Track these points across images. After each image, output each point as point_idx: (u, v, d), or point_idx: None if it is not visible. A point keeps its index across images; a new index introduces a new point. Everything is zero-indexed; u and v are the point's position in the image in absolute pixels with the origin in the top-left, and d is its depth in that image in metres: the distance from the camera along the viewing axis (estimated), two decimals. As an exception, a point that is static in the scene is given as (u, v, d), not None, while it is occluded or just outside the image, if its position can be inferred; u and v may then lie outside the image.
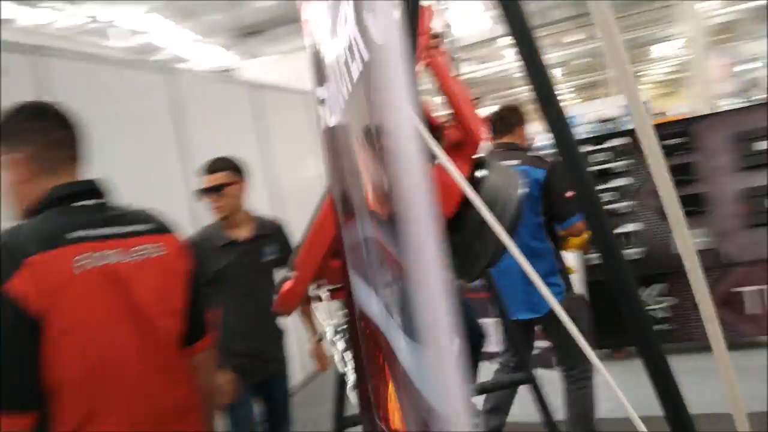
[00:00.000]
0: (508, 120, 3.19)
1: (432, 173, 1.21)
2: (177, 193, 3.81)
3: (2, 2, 8.08)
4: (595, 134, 6.87)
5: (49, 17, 9.93)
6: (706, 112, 6.38)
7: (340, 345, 1.66)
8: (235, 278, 2.75)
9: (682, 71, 20.63)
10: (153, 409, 1.46)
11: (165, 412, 1.48)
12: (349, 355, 1.66)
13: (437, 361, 0.60)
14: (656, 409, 1.07)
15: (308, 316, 2.91)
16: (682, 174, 4.38)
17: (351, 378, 1.61)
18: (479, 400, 3.12)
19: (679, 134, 4.61)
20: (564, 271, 3.10)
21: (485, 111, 3.13)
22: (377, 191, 0.74)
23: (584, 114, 15.60)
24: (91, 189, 1.51)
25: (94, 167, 1.59)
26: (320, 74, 1.34)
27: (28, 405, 1.31)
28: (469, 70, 16.69)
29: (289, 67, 7.92)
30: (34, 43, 3.28)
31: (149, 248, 1.53)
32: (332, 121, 1.26)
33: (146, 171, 3.72)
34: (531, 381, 2.56)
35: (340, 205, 1.27)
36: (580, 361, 2.95)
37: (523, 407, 3.09)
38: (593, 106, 17.96)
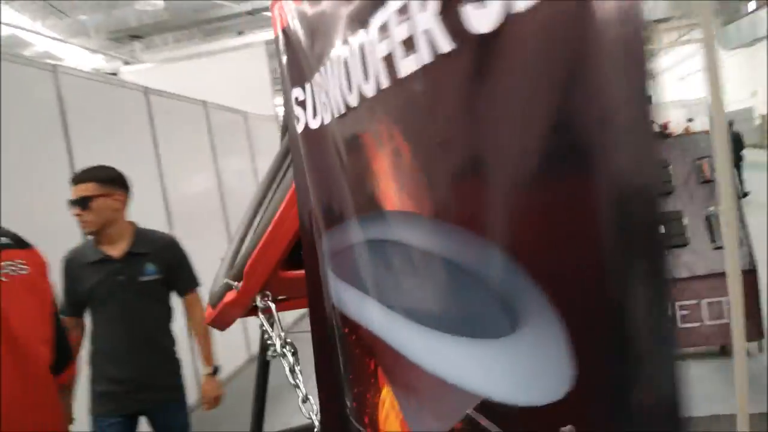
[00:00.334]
0: None
1: None
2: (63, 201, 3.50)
3: None
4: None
5: None
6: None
7: (290, 358, 1.60)
8: (106, 298, 2.49)
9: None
10: None
11: None
12: (298, 368, 1.60)
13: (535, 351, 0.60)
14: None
15: (206, 342, 2.72)
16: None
17: (302, 391, 1.55)
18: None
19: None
20: None
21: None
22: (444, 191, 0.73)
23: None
24: None
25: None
26: (296, 74, 1.30)
27: None
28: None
29: (175, 74, 7.62)
30: None
31: (17, 264, 1.37)
32: (315, 123, 1.23)
33: (28, 174, 3.38)
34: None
35: (322, 211, 1.23)
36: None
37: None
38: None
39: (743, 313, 1.17)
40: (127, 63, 11.22)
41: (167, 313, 2.70)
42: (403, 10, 0.73)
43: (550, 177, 0.53)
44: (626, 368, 0.48)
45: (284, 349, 1.62)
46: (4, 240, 1.37)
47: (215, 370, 2.73)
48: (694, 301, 4.22)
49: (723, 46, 18.71)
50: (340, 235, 1.14)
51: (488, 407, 0.70)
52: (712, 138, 1.39)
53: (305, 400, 1.52)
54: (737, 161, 11.49)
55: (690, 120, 15.75)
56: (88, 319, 2.60)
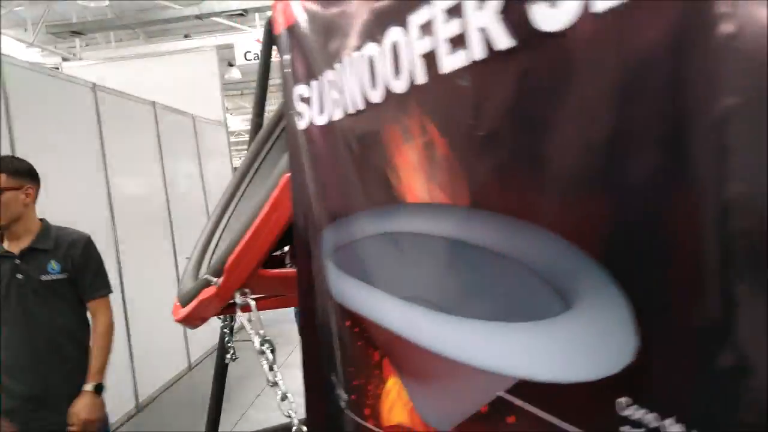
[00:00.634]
0: None
1: None
2: None
3: None
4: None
5: None
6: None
7: (270, 355, 1.59)
8: (3, 298, 2.26)
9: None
10: None
11: None
12: (277, 367, 1.59)
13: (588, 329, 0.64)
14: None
15: (103, 355, 2.34)
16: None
17: (281, 390, 1.55)
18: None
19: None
20: None
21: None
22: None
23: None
24: None
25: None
26: (302, 71, 1.32)
27: None
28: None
29: (121, 73, 7.39)
30: None
31: None
32: (322, 119, 1.25)
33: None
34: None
35: (325, 205, 1.24)
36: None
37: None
38: None
39: None
40: (65, 59, 10.78)
41: (78, 319, 2.39)
42: (454, 9, 0.77)
43: (621, 174, 0.58)
44: (695, 340, 0.52)
45: (263, 347, 1.60)
46: None
47: (99, 388, 2.30)
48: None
49: None
50: (347, 229, 1.16)
51: (525, 387, 0.73)
52: None
53: (284, 398, 1.51)
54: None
55: None
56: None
